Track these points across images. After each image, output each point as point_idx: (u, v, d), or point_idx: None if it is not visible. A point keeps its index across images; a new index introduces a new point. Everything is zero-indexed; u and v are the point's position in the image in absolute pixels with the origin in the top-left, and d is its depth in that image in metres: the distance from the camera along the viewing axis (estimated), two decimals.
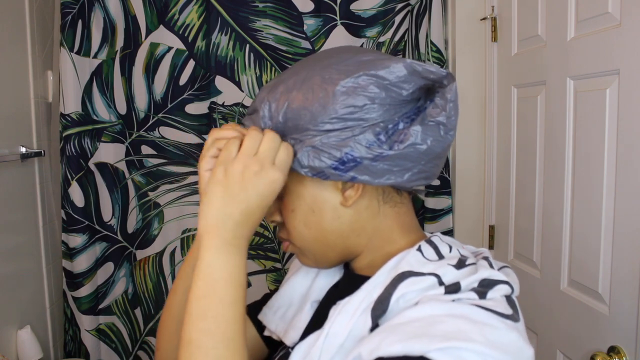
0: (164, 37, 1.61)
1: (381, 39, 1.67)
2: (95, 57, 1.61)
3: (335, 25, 1.65)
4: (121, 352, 1.72)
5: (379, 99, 0.52)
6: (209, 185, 0.53)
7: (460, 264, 0.54)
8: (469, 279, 0.51)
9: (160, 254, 1.70)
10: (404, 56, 1.68)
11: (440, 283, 0.51)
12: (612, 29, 0.97)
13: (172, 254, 1.71)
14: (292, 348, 0.59)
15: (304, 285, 0.68)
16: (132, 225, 1.69)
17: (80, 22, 1.57)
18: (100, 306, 1.69)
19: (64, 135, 1.58)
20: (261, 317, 0.69)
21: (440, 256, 0.56)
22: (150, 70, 1.63)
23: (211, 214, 0.52)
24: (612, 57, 0.97)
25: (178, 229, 1.70)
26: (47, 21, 1.64)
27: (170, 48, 1.62)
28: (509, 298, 0.52)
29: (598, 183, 1.01)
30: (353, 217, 0.58)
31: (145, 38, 1.61)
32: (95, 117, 1.63)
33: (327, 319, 0.54)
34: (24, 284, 1.46)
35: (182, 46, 1.62)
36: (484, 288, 0.51)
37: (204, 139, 1.66)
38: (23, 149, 1.45)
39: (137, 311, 1.72)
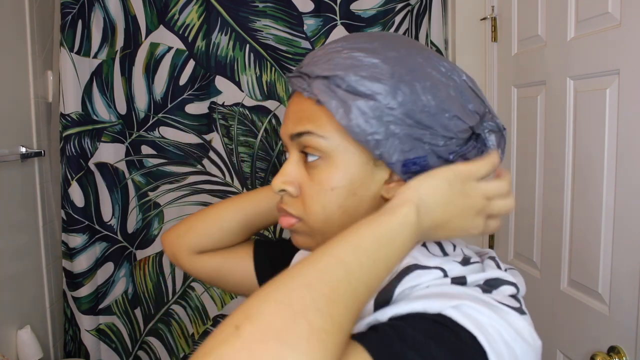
0: (164, 37, 1.61)
1: None
2: (95, 57, 1.60)
3: (335, 25, 1.65)
4: (121, 352, 1.72)
5: (463, 116, 0.52)
6: (452, 174, 0.50)
7: (465, 261, 0.53)
8: (475, 275, 0.51)
9: (160, 254, 1.70)
10: None
11: (446, 277, 0.50)
12: (612, 29, 0.97)
13: None
14: None
15: None
16: (132, 225, 1.69)
17: (80, 22, 1.57)
18: (100, 306, 1.69)
19: (64, 135, 1.58)
20: None
21: (445, 253, 0.55)
22: (150, 70, 1.63)
23: (431, 194, 0.48)
24: (612, 57, 0.97)
25: None
26: (47, 21, 1.64)
27: (170, 48, 1.62)
28: (514, 297, 0.51)
29: (598, 183, 1.01)
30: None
31: (145, 38, 1.61)
32: (95, 117, 1.63)
33: None
34: (24, 284, 1.46)
35: (182, 46, 1.62)
36: (489, 287, 0.50)
37: (204, 139, 1.66)
38: (23, 149, 1.45)
39: (137, 311, 1.72)
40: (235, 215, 0.74)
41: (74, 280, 1.62)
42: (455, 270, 0.51)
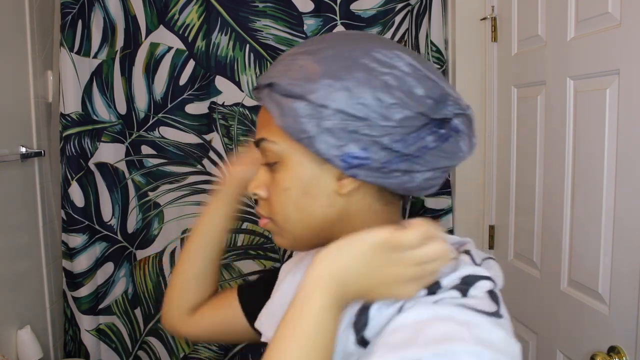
0: (164, 37, 1.61)
1: None
2: (95, 57, 1.61)
3: (335, 25, 1.65)
4: (121, 352, 1.72)
5: (406, 104, 0.51)
6: (368, 237, 0.49)
7: None
8: (450, 277, 0.51)
9: (160, 254, 1.70)
10: None
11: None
12: (612, 29, 0.97)
13: (172, 254, 1.71)
14: None
15: (291, 290, 0.67)
16: (132, 225, 1.69)
17: (80, 22, 1.57)
18: (100, 306, 1.69)
19: (64, 135, 1.58)
20: (258, 325, 0.69)
21: None
22: (150, 70, 1.63)
23: (350, 266, 0.48)
24: (612, 57, 0.97)
25: (178, 229, 1.70)
26: (47, 21, 1.64)
27: (170, 48, 1.62)
28: (491, 293, 0.51)
29: (598, 183, 1.01)
30: (344, 207, 0.56)
31: (145, 38, 1.61)
32: (95, 117, 1.63)
33: None
34: (24, 284, 1.46)
35: (182, 46, 1.62)
36: (466, 285, 0.50)
37: (204, 139, 1.66)
38: (23, 149, 1.45)
39: (137, 311, 1.72)
40: (199, 253, 0.77)
41: (74, 280, 1.62)
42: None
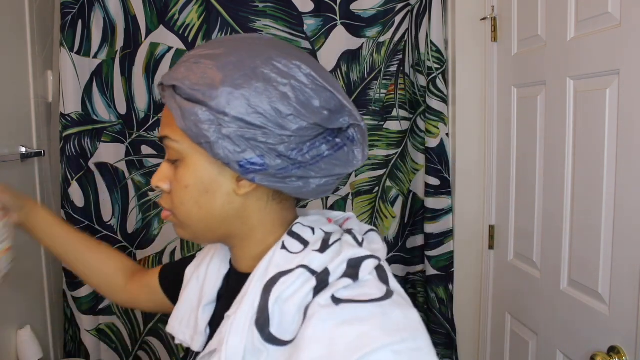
0: (164, 37, 1.61)
1: (381, 39, 1.67)
2: (95, 57, 1.61)
3: (335, 25, 1.65)
4: (121, 352, 1.72)
5: (302, 115, 0.53)
6: None
7: (324, 245, 0.56)
8: (335, 261, 0.54)
9: (160, 254, 1.70)
10: (404, 56, 1.68)
11: (310, 271, 0.54)
12: (612, 29, 0.97)
13: (172, 254, 1.71)
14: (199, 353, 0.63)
15: (196, 291, 0.70)
16: (132, 225, 1.69)
17: (80, 22, 1.57)
18: (100, 306, 1.69)
19: (64, 135, 1.58)
20: (169, 329, 0.72)
21: (305, 243, 0.58)
22: (150, 70, 1.63)
23: None
24: (612, 57, 0.97)
25: None
26: (47, 21, 1.64)
27: (170, 48, 1.62)
28: (378, 269, 0.55)
29: (598, 183, 1.01)
30: (242, 206, 0.59)
31: (145, 38, 1.61)
32: (95, 117, 1.63)
33: (221, 336, 0.56)
34: (24, 284, 1.46)
35: (182, 46, 1.62)
36: (353, 269, 0.54)
37: None
38: (23, 149, 1.45)
39: (137, 311, 1.72)
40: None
41: (74, 280, 1.62)
42: (316, 262, 0.54)
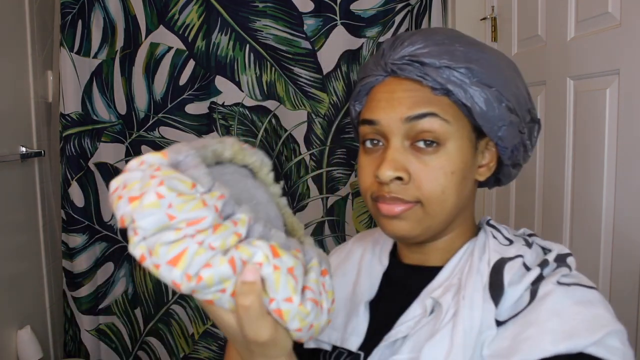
0: (164, 37, 1.61)
1: (381, 39, 1.67)
2: (95, 57, 1.61)
3: (335, 25, 1.65)
4: (121, 352, 1.72)
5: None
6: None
7: (527, 243, 0.58)
8: (550, 255, 0.56)
9: None
10: None
11: (526, 262, 0.55)
12: (612, 29, 0.96)
13: None
14: (360, 351, 0.58)
15: (346, 288, 0.64)
16: None
17: (80, 22, 1.57)
18: (100, 306, 1.69)
19: (64, 135, 1.58)
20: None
21: (506, 238, 0.59)
22: (150, 70, 1.63)
23: None
24: (612, 57, 0.97)
25: None
26: (47, 21, 1.64)
27: (170, 48, 1.62)
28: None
29: (598, 183, 1.01)
30: (472, 194, 0.60)
31: (145, 38, 1.61)
32: (95, 117, 1.63)
33: (445, 313, 0.53)
34: (24, 284, 1.46)
35: (182, 46, 1.62)
36: (563, 263, 0.56)
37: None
38: (23, 149, 1.45)
39: (137, 311, 1.72)
40: None
41: (74, 280, 1.62)
42: (528, 256, 0.56)
